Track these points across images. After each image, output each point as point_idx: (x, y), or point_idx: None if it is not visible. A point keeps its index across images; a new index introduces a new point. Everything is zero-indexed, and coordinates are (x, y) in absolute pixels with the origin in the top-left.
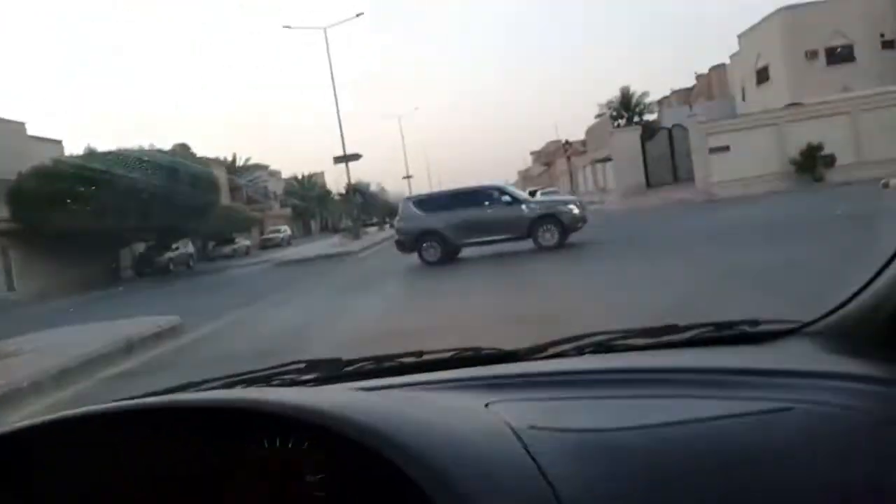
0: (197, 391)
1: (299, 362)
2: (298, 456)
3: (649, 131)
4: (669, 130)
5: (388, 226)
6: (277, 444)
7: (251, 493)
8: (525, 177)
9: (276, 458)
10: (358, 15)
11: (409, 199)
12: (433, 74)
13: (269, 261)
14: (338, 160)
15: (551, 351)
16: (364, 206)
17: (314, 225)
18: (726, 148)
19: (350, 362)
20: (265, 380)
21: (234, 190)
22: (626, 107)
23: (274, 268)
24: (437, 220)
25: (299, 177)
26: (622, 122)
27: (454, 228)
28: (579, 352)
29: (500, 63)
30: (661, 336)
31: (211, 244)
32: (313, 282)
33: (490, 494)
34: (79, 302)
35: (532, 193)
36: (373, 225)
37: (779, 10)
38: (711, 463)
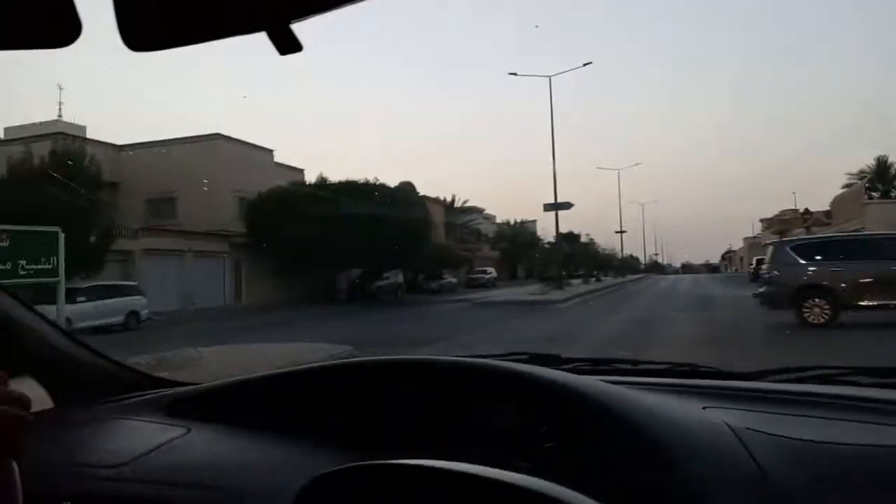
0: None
1: (522, 353)
2: (535, 425)
3: None
4: None
5: (593, 279)
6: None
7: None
8: (752, 244)
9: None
10: (585, 64)
11: (785, 242)
12: (657, 130)
13: (469, 300)
14: (548, 208)
15: (770, 377)
16: (571, 256)
17: (520, 270)
18: None
19: (568, 360)
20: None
21: (449, 229)
22: (881, 178)
23: (472, 307)
24: (829, 273)
25: (511, 222)
26: (876, 195)
27: (853, 285)
28: (799, 381)
29: (734, 125)
30: (890, 377)
31: (420, 277)
32: (505, 327)
33: (714, 479)
34: (292, 317)
35: (759, 262)
36: (579, 276)
37: None
38: None
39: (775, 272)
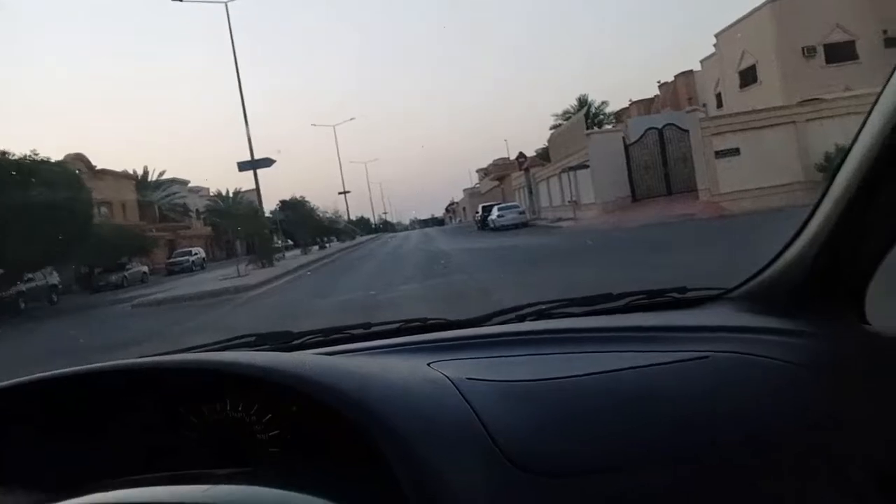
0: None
1: (249, 336)
2: (250, 416)
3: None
4: (660, 131)
5: (316, 247)
6: (229, 405)
7: (208, 452)
8: (472, 194)
9: (230, 419)
10: None
11: None
12: (371, 83)
13: (135, 299)
14: (244, 167)
15: (494, 320)
16: (287, 224)
17: (240, 246)
18: (736, 151)
19: (300, 335)
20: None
21: (144, 207)
22: (584, 117)
23: (130, 312)
24: None
25: (225, 193)
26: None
27: None
28: (520, 319)
29: (446, 76)
30: (596, 304)
31: (98, 270)
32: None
33: (428, 435)
34: None
35: (486, 210)
36: (296, 247)
37: (770, 2)
38: (632, 405)
39: None
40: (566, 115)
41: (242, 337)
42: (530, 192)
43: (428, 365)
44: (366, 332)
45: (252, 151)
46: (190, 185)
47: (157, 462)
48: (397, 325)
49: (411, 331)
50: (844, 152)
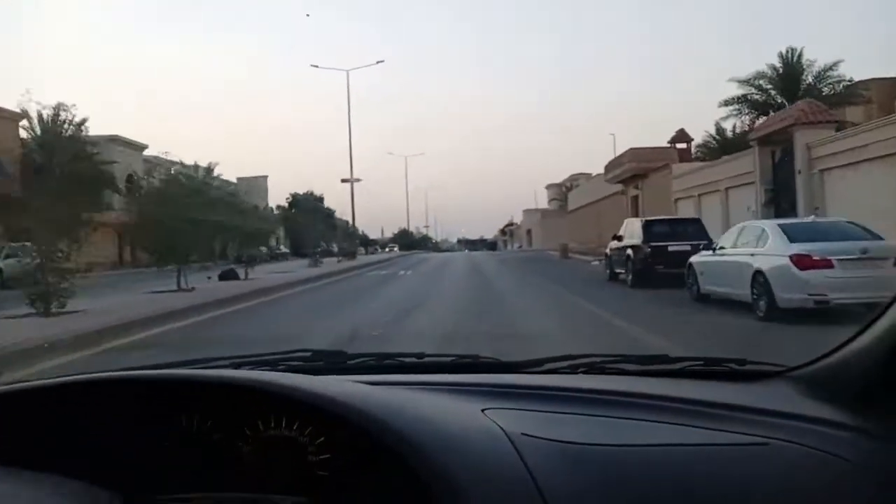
0: (206, 367)
1: (305, 351)
2: (304, 437)
3: None
4: None
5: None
6: (283, 424)
7: (256, 469)
8: (545, 214)
9: (283, 438)
10: None
11: None
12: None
13: None
14: None
15: (547, 367)
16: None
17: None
18: None
19: (353, 356)
20: (272, 364)
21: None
22: (791, 79)
23: None
24: None
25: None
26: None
27: None
28: (573, 370)
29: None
30: (652, 364)
31: None
32: None
33: (482, 490)
34: None
35: (655, 236)
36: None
37: None
38: (688, 485)
39: None
40: (759, 76)
41: (298, 351)
42: (770, 201)
43: (482, 411)
44: (418, 361)
45: None
46: (149, 152)
47: (201, 476)
48: (450, 358)
49: (464, 367)
50: None
